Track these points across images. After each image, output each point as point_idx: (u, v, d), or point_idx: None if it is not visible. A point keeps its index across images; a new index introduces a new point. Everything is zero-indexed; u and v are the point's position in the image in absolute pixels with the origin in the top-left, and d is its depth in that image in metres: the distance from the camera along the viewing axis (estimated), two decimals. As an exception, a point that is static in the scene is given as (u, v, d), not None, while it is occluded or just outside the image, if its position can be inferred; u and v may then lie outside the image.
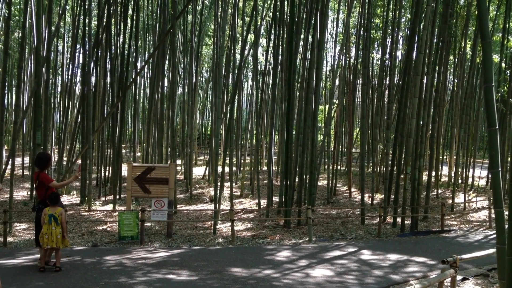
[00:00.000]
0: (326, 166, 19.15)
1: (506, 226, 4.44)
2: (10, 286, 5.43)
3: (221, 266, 6.66)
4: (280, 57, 11.75)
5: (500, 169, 4.55)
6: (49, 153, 13.83)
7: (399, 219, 10.48)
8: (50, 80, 16.01)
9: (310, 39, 11.45)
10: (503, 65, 14.91)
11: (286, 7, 11.55)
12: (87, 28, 12.61)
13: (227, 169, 12.73)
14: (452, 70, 17.28)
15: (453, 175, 15.26)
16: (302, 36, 11.36)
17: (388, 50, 15.64)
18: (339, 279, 6.16)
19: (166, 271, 6.28)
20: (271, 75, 14.34)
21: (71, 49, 15.86)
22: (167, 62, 15.55)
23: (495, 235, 4.70)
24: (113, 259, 7.02)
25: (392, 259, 7.40)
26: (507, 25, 14.15)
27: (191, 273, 6.25)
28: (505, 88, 12.34)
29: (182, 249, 7.96)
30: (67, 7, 16.71)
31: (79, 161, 12.17)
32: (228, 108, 14.68)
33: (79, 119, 13.89)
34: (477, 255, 6.11)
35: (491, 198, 9.65)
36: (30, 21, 13.29)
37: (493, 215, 7.32)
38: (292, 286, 5.77)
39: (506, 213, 5.01)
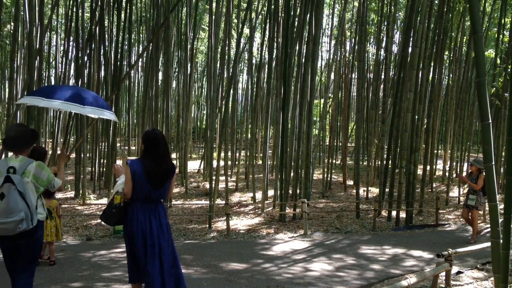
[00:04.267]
0: (321, 160, 19.18)
1: (501, 220, 4.45)
2: (3, 280, 5.39)
3: (216, 259, 6.65)
4: (275, 51, 11.70)
5: (493, 163, 4.55)
6: (45, 149, 13.74)
7: (394, 213, 10.52)
8: (44, 73, 15.88)
9: (305, 33, 11.40)
10: (498, 60, 14.92)
11: (281, 0, 11.48)
12: (80, 20, 12.48)
13: (222, 163, 12.70)
14: (447, 64, 17.29)
15: (447, 169, 15.33)
16: (297, 29, 11.31)
17: (383, 44, 15.63)
18: (336, 273, 6.17)
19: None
20: (266, 69, 14.29)
21: (64, 42, 15.72)
22: (161, 55, 15.43)
23: (489, 229, 4.71)
24: (108, 253, 6.99)
25: (387, 253, 7.42)
26: (503, 20, 14.15)
27: (186, 266, 6.23)
28: (500, 82, 12.36)
29: (177, 243, 7.94)
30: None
31: (73, 155, 12.09)
32: (223, 102, 14.63)
33: (73, 112, 13.79)
34: (471, 249, 6.14)
35: (485, 192, 9.67)
36: (22, 13, 13.14)
37: (487, 209, 7.35)
38: (287, 279, 5.77)
39: (501, 207, 5.03)
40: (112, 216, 3.99)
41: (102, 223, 9.56)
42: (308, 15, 10.81)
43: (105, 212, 4.07)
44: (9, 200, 3.60)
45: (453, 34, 15.44)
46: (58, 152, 9.32)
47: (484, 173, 8.14)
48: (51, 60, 18.54)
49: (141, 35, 20.01)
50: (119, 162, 12.08)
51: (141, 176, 3.92)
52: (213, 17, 13.39)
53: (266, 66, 14.31)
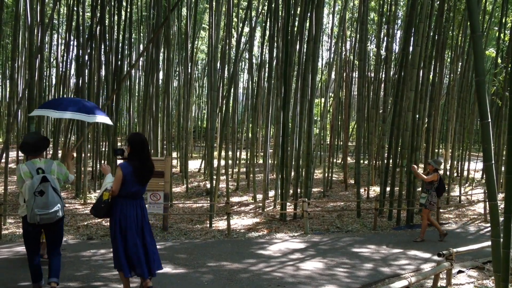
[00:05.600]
0: (322, 160, 19.20)
1: (501, 219, 4.45)
2: (4, 279, 5.40)
3: (217, 259, 6.65)
4: (275, 50, 11.69)
5: (493, 162, 4.54)
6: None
7: (395, 212, 10.51)
8: (45, 72, 15.88)
9: (305, 32, 11.39)
10: (499, 59, 14.88)
11: (281, -1, 11.47)
12: (81, 19, 12.48)
13: (223, 162, 12.71)
14: (448, 63, 17.26)
15: (448, 168, 15.31)
16: (297, 28, 11.30)
17: (384, 43, 15.60)
18: (335, 272, 6.17)
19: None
20: (267, 68, 14.28)
21: (65, 41, 15.72)
22: (161, 55, 15.42)
23: (490, 228, 4.71)
24: (108, 252, 6.98)
25: (387, 252, 7.41)
26: (504, 20, 14.12)
27: (186, 265, 6.24)
28: (501, 81, 12.32)
29: (178, 242, 7.95)
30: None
31: (74, 154, 12.10)
32: (224, 101, 14.62)
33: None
34: (472, 248, 6.14)
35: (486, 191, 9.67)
36: (23, 12, 13.14)
37: (488, 208, 7.35)
38: (289, 278, 5.77)
39: (502, 206, 5.02)
40: (101, 209, 4.56)
41: (103, 222, 9.60)
42: (309, 14, 10.79)
43: (94, 207, 4.63)
44: (48, 195, 4.50)
45: (454, 33, 15.41)
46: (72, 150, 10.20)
47: (438, 173, 8.27)
48: (52, 59, 18.55)
49: (141, 34, 20.00)
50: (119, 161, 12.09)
51: (132, 176, 4.54)
52: (214, 16, 13.40)
53: (267, 65, 14.30)
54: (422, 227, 8.41)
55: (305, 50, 11.12)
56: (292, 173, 11.06)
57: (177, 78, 19.11)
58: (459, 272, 6.27)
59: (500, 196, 10.68)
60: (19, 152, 17.51)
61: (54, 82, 18.54)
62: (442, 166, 8.48)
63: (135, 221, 4.59)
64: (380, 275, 6.07)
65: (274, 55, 11.68)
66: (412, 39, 10.70)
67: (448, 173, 15.11)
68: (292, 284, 5.54)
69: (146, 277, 4.61)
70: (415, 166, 8.76)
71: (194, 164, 19.26)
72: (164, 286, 5.32)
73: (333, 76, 17.81)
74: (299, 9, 11.51)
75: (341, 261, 6.77)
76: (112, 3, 13.58)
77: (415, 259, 6.99)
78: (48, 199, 4.51)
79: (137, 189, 4.62)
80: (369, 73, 18.43)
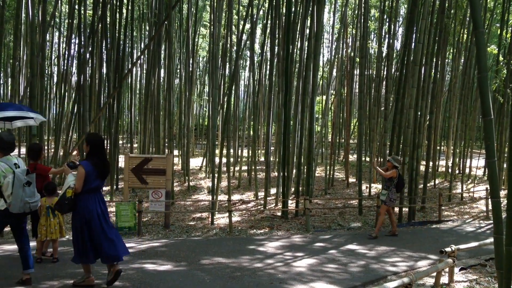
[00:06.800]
0: (323, 157, 19.19)
1: (504, 216, 4.43)
2: (6, 277, 5.41)
3: (218, 256, 6.66)
4: (276, 48, 11.67)
5: (496, 159, 4.52)
6: (41, 144, 13.78)
7: (396, 209, 10.50)
8: (46, 70, 15.88)
9: (307, 29, 11.37)
10: (501, 57, 14.84)
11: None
12: (82, 17, 12.46)
13: (224, 160, 12.70)
14: (450, 60, 17.21)
15: (450, 165, 15.30)
16: (299, 26, 11.27)
17: (386, 41, 15.55)
18: (337, 270, 6.17)
19: (162, 262, 6.28)
20: (268, 65, 14.26)
21: (67, 39, 15.71)
22: (163, 52, 15.42)
23: (492, 225, 4.70)
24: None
25: (387, 250, 7.41)
26: (505, 17, 14.08)
27: (188, 263, 6.25)
28: (502, 78, 12.29)
29: (179, 240, 7.95)
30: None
31: (75, 152, 12.11)
32: (225, 99, 14.61)
33: (75, 110, 13.80)
34: (474, 245, 6.14)
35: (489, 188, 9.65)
36: (24, 10, 13.12)
37: (490, 205, 7.33)
38: (291, 276, 5.77)
39: (504, 203, 5.01)
40: (65, 206, 4.84)
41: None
42: (310, 11, 10.76)
43: (58, 203, 4.90)
44: (34, 186, 4.96)
45: (455, 29, 15.36)
46: (74, 154, 10.37)
47: (397, 170, 8.32)
48: (53, 57, 18.55)
49: (142, 31, 20.00)
50: (121, 159, 12.08)
51: (93, 173, 4.90)
52: (215, 13, 13.37)
53: (268, 63, 14.29)
54: (378, 223, 8.49)
55: (306, 47, 11.10)
56: (294, 171, 11.04)
57: (178, 75, 19.11)
58: (461, 269, 6.27)
59: (503, 193, 10.68)
60: (21, 150, 17.54)
61: (55, 80, 18.55)
62: (400, 164, 8.60)
63: (98, 213, 4.93)
64: (380, 273, 6.07)
65: (275, 52, 11.65)
66: (413, 36, 10.67)
67: (450, 170, 15.10)
68: (294, 281, 5.54)
69: (112, 263, 4.98)
70: (375, 162, 8.86)
71: (196, 162, 19.26)
72: (166, 283, 5.33)
73: (334, 73, 17.79)
74: (300, 6, 11.48)
75: (342, 258, 6.77)
76: (114, 1, 13.56)
77: (420, 257, 6.99)
78: (35, 188, 4.98)
79: (98, 184, 4.98)
80: (370, 70, 18.40)
